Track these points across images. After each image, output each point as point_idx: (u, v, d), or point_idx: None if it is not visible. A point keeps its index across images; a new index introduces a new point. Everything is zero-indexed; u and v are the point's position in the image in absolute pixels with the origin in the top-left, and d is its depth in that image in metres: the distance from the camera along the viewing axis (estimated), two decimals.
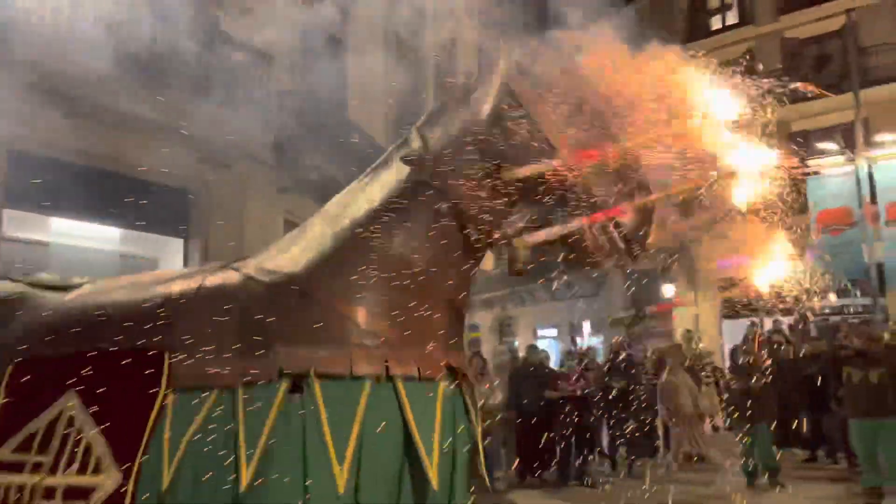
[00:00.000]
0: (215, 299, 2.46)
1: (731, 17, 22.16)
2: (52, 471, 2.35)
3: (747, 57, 21.44)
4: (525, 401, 9.69)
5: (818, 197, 14.89)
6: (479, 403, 2.75)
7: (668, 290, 21.47)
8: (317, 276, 2.41)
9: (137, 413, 2.31)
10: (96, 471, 2.30)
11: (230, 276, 2.55)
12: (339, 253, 2.44)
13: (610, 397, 10.75)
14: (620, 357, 11.11)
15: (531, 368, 10.18)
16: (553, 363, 11.50)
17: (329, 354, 2.30)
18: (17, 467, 2.40)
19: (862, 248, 13.80)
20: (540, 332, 29.94)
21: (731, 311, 20.72)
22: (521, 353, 12.20)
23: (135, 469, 2.27)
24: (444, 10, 19.32)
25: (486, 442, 9.91)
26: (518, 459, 9.73)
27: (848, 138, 15.46)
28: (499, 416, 9.59)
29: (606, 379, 10.81)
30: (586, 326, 27.11)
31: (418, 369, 2.39)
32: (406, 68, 18.31)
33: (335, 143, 12.59)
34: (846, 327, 11.93)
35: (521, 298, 30.61)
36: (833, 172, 14.84)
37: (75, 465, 2.33)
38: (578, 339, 24.19)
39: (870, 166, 13.80)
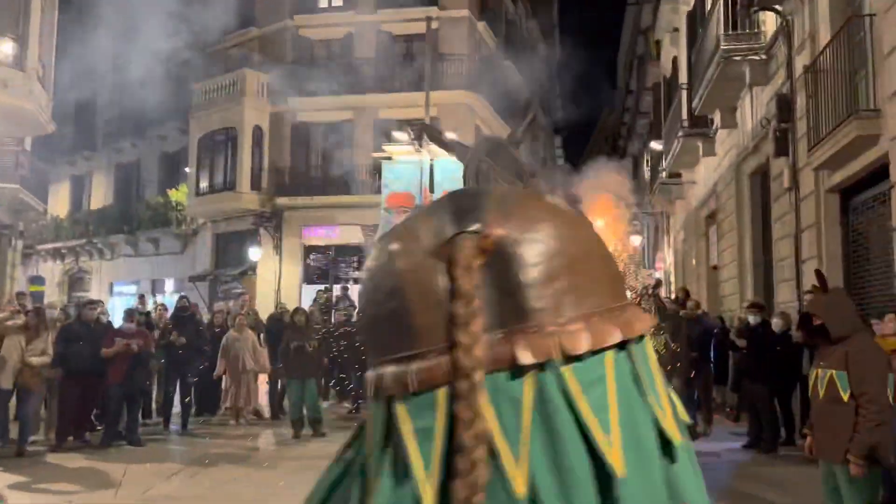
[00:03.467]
0: None
1: (337, 0, 23.36)
2: None
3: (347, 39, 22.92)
4: (75, 360, 9.15)
5: (389, 180, 16.60)
6: None
7: (254, 253, 21.93)
8: None
9: None
10: None
11: None
12: None
13: (172, 355, 10.78)
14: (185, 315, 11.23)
15: (86, 325, 9.62)
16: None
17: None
18: None
19: None
20: (117, 288, 28.07)
21: (311, 277, 22.13)
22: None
23: None
24: None
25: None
26: (60, 421, 9.18)
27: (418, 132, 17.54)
28: (44, 376, 8.93)
29: (170, 336, 10.78)
30: (169, 284, 26.21)
31: None
32: None
33: None
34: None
35: (99, 251, 28.28)
36: (403, 160, 16.64)
37: None
38: (159, 296, 23.41)
39: (431, 159, 15.82)
